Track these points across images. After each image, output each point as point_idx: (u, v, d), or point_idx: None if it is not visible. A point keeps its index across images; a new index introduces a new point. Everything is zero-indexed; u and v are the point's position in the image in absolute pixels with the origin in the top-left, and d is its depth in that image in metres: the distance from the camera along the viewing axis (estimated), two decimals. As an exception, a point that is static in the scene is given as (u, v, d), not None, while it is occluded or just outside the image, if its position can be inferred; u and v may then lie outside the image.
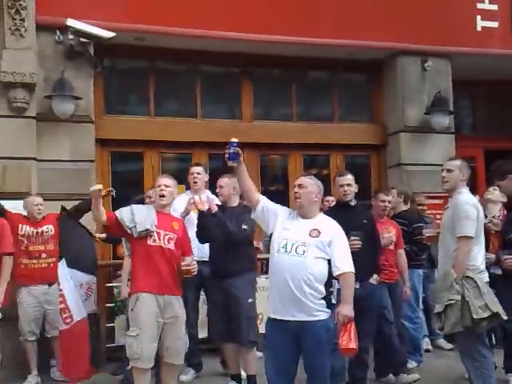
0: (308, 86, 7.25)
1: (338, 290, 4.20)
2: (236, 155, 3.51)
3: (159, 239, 4.00)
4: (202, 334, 5.27)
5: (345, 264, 3.39)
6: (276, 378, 3.47)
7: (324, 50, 6.76)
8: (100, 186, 3.95)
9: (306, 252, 3.35)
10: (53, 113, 5.76)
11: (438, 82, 7.07)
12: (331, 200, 6.13)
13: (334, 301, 3.50)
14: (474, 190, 6.31)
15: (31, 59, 5.65)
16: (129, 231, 3.96)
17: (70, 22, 5.74)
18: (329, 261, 3.43)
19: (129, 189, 5.57)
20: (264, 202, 3.63)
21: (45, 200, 5.21)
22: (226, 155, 3.49)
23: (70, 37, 5.79)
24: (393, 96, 7.18)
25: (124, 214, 4.00)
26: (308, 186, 3.48)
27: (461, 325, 3.74)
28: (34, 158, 5.70)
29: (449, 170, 4.05)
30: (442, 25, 6.94)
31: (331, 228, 3.47)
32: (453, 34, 7.04)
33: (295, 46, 6.58)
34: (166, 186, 4.12)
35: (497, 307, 3.76)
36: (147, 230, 3.95)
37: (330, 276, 3.48)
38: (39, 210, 5.10)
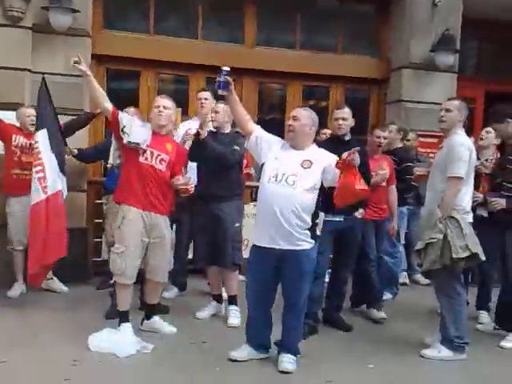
0: (313, 14, 7.02)
1: (324, 221, 4.34)
2: (226, 84, 3.50)
3: (151, 158, 4.01)
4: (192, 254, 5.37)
5: None
6: (255, 302, 3.62)
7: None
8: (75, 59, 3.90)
9: (295, 182, 3.39)
10: (49, 24, 5.62)
11: (447, 19, 6.85)
12: (328, 133, 6.10)
13: (318, 232, 3.58)
14: (471, 132, 6.32)
15: (29, -34, 5.45)
16: (121, 134, 3.96)
17: None
18: (319, 190, 3.48)
19: (124, 107, 5.46)
20: (258, 131, 3.64)
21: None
22: (217, 83, 3.49)
23: None
24: (399, 31, 6.98)
25: (124, 118, 4.01)
26: (302, 118, 3.49)
27: (439, 263, 3.82)
28: (29, 70, 5.61)
29: (447, 110, 4.02)
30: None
31: (324, 157, 3.50)
32: (466, -29, 6.78)
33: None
34: (165, 107, 4.09)
35: (477, 248, 3.83)
36: (138, 143, 3.96)
37: (317, 207, 3.54)
38: (32, 121, 5.05)
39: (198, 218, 4.64)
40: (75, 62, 3.93)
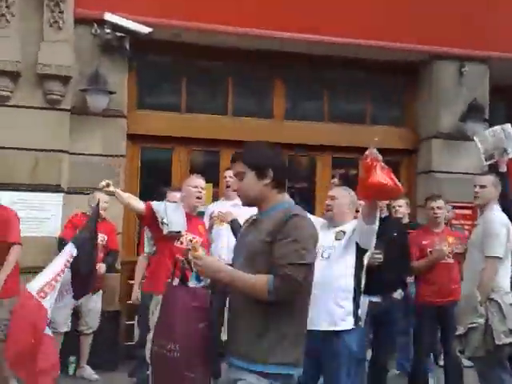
0: (341, 86, 7.16)
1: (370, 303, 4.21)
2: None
3: (186, 242, 4.03)
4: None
5: None
6: None
7: (359, 51, 6.67)
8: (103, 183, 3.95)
9: (331, 255, 3.34)
10: (87, 106, 5.84)
11: (475, 88, 6.92)
12: (360, 204, 6.07)
13: (359, 314, 3.42)
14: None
15: (68, 52, 5.74)
16: (161, 226, 3.96)
17: (108, 16, 5.79)
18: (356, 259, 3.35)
19: (157, 184, 5.61)
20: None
21: (74, 194, 5.35)
22: None
23: (107, 31, 5.83)
24: (427, 101, 7.06)
25: (160, 208, 4.00)
26: (340, 197, 3.51)
27: (483, 349, 3.68)
28: (67, 151, 5.79)
29: (482, 186, 3.99)
30: (480, 29, 6.76)
31: (354, 222, 3.44)
32: (491, 39, 6.84)
33: (331, 46, 6.52)
34: (202, 188, 4.15)
35: None
36: (179, 232, 4.00)
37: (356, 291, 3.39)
38: (105, 208, 5.11)
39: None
40: (104, 187, 4.02)
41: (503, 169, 4.97)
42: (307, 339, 3.26)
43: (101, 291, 5.28)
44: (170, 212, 4.02)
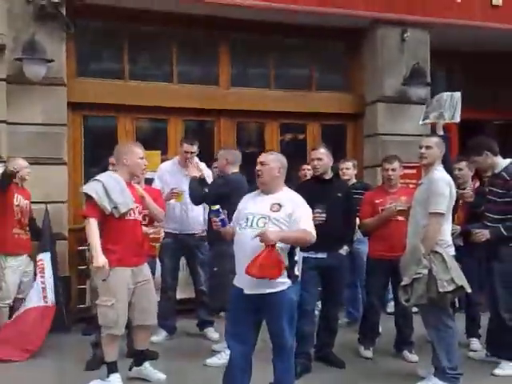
0: (285, 53, 7.16)
1: (307, 257, 4.33)
2: (225, 220, 3.67)
3: (133, 213, 4.01)
4: (180, 295, 5.50)
5: (308, 226, 3.40)
6: (237, 345, 3.50)
7: (302, 17, 6.66)
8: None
9: (266, 225, 3.36)
10: (24, 75, 5.61)
11: (417, 53, 7.04)
12: (307, 168, 6.15)
13: (297, 272, 3.52)
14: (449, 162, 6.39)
15: (0, 20, 5.47)
16: (107, 212, 3.86)
17: (42, -18, 5.58)
18: None
19: (102, 153, 5.47)
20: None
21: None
22: (218, 223, 3.67)
23: (41, -4, 5.60)
24: (371, 66, 7.14)
25: (101, 196, 3.85)
26: (270, 162, 3.50)
27: (426, 297, 3.86)
28: (5, 121, 5.57)
29: (428, 147, 4.13)
30: (421, -6, 6.90)
31: (293, 201, 3.48)
32: (432, 5, 6.98)
33: (276, 12, 6.48)
34: (145, 158, 4.15)
35: (462, 281, 3.89)
36: (130, 209, 3.96)
37: (293, 246, 3.47)
38: (28, 173, 5.06)
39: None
40: None
41: (440, 132, 5.14)
42: (247, 300, 3.40)
43: None
44: (111, 189, 3.88)
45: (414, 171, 6.17)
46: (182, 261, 5.44)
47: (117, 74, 6.52)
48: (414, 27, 7.00)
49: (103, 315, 3.90)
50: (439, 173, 4.06)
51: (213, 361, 4.54)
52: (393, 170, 4.82)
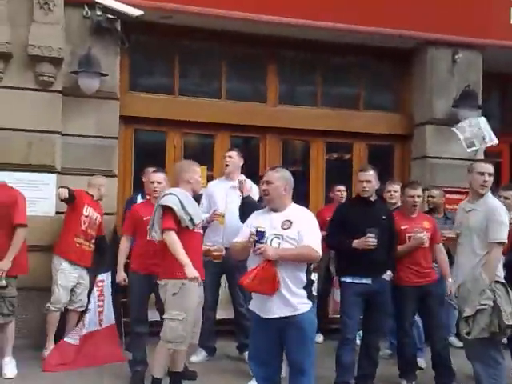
0: (335, 72, 7.15)
1: (352, 284, 4.30)
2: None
3: (199, 226, 4.14)
4: (220, 315, 5.40)
5: (312, 242, 3.33)
6: (259, 369, 3.48)
7: (353, 36, 6.66)
8: None
9: (280, 244, 3.33)
10: (78, 88, 5.77)
11: (468, 75, 6.93)
12: (342, 190, 6.11)
13: (314, 292, 3.50)
14: (498, 185, 6.27)
15: (59, 34, 5.65)
16: (184, 224, 3.99)
17: (98, -1, 5.72)
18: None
19: (151, 166, 5.57)
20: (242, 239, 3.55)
21: (69, 175, 5.39)
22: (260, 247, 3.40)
23: (98, 13, 5.77)
24: (421, 87, 7.05)
25: (180, 208, 3.98)
26: (275, 181, 3.47)
27: (488, 331, 3.73)
28: (59, 132, 5.73)
29: (490, 174, 4.04)
30: (474, 16, 6.77)
31: (301, 217, 3.45)
32: (485, 26, 6.86)
33: (325, 31, 6.49)
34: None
35: None
36: (202, 220, 4.15)
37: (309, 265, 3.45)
38: (104, 191, 5.35)
39: None
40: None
41: (481, 157, 5.04)
42: (268, 325, 3.36)
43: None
44: (187, 205, 4.04)
45: (463, 197, 6.03)
46: (224, 279, 5.34)
47: (167, 89, 6.64)
48: (465, 48, 6.90)
49: (173, 329, 3.92)
50: (494, 199, 4.00)
51: None
52: (418, 196, 4.77)
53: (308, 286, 3.38)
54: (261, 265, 3.24)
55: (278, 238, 3.34)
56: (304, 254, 3.33)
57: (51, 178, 5.42)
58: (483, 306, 3.73)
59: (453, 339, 5.87)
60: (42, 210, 5.49)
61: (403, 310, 4.67)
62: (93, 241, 5.25)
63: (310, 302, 3.36)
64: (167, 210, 3.99)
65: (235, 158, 5.19)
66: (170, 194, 4.07)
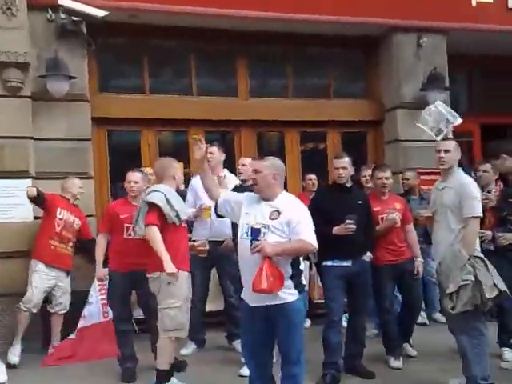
0: (303, 62, 7.20)
1: (333, 266, 4.35)
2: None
3: (184, 221, 4.18)
4: (209, 307, 5.46)
5: (306, 235, 3.27)
6: (252, 360, 3.49)
7: (319, 26, 6.71)
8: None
9: (266, 234, 3.27)
10: (48, 92, 5.73)
11: (434, 58, 7.04)
12: (313, 178, 6.18)
13: (304, 281, 3.47)
14: (471, 164, 6.41)
15: (24, 38, 5.58)
16: (171, 221, 4.01)
17: (62, 1, 5.68)
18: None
19: (127, 166, 5.54)
20: (224, 195, 3.62)
21: (44, 179, 5.33)
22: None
23: (62, 16, 5.74)
24: (389, 72, 7.16)
25: (165, 205, 3.99)
26: (263, 169, 3.39)
27: (470, 304, 3.78)
28: (31, 137, 5.68)
29: (446, 151, 4.10)
30: (437, 0, 6.88)
31: (291, 206, 3.38)
32: (448, 10, 6.96)
33: (290, 22, 6.54)
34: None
35: (503, 286, 3.82)
36: (189, 215, 4.16)
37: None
38: (79, 193, 5.31)
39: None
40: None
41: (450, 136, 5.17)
42: (256, 313, 3.34)
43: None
44: (173, 201, 4.05)
45: (437, 177, 6.15)
46: (213, 271, 5.36)
47: (138, 88, 6.63)
48: (430, 33, 7.01)
49: (171, 318, 3.95)
50: (464, 176, 4.05)
51: (246, 371, 4.53)
52: (386, 178, 4.87)
53: (297, 276, 3.35)
54: (265, 263, 3.14)
55: (265, 227, 3.29)
56: (302, 248, 3.32)
57: (26, 184, 5.34)
58: (465, 282, 3.78)
59: (438, 315, 5.99)
60: (19, 216, 5.45)
61: (382, 288, 4.76)
62: (70, 244, 5.23)
63: (296, 292, 3.31)
64: (153, 206, 4.00)
65: (216, 154, 5.20)
66: (155, 190, 4.08)
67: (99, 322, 5.15)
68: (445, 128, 5.46)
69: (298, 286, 3.35)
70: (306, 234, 3.28)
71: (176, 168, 4.27)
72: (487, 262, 3.87)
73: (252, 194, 3.54)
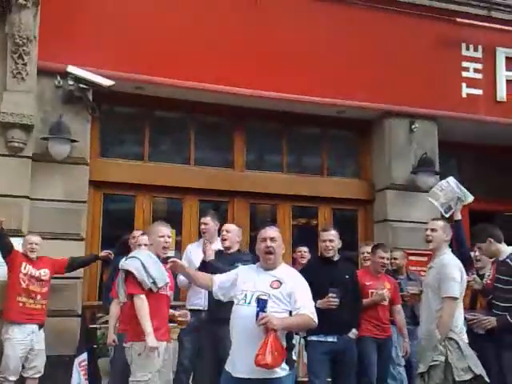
0: (299, 140, 7.44)
1: (317, 342, 4.34)
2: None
3: (166, 289, 4.07)
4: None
5: (306, 307, 3.24)
6: None
7: (314, 108, 7.00)
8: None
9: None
10: (49, 154, 5.86)
11: (425, 143, 7.29)
12: (303, 251, 6.24)
13: (294, 357, 3.46)
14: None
15: (31, 102, 5.79)
16: (146, 288, 3.94)
17: (71, 69, 5.91)
18: (290, 313, 3.28)
19: (119, 230, 5.67)
20: (218, 279, 3.54)
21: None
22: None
23: (70, 82, 5.94)
24: (380, 154, 7.38)
25: (142, 272, 3.93)
26: (278, 239, 3.39)
27: None
28: (27, 197, 5.76)
29: (433, 230, 4.21)
30: (429, 90, 7.21)
31: (292, 278, 3.36)
32: (439, 99, 7.30)
33: (289, 102, 6.82)
34: (169, 236, 4.18)
35: (479, 369, 3.81)
36: (167, 283, 4.04)
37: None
38: (32, 248, 5.21)
39: (204, 339, 4.62)
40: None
41: (458, 217, 5.27)
42: None
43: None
44: (148, 266, 3.98)
45: (425, 259, 6.23)
46: None
47: (137, 155, 6.81)
48: (421, 119, 7.29)
49: None
50: (448, 256, 4.11)
51: None
52: (388, 259, 5.14)
53: (290, 350, 3.28)
54: (270, 337, 3.03)
55: (265, 295, 3.21)
56: (302, 323, 3.27)
57: (16, 242, 5.35)
58: (435, 362, 3.80)
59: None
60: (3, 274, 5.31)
61: (367, 358, 4.76)
62: (39, 297, 5.14)
63: (287, 368, 3.22)
64: (128, 273, 3.99)
65: (210, 224, 5.17)
66: (133, 257, 4.09)
67: None
68: (454, 206, 5.52)
69: (290, 361, 3.27)
70: (308, 308, 3.24)
71: (155, 232, 4.15)
72: (461, 343, 3.85)
73: (247, 265, 3.55)
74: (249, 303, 3.23)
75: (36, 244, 5.23)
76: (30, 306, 5.10)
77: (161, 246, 4.12)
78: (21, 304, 5.06)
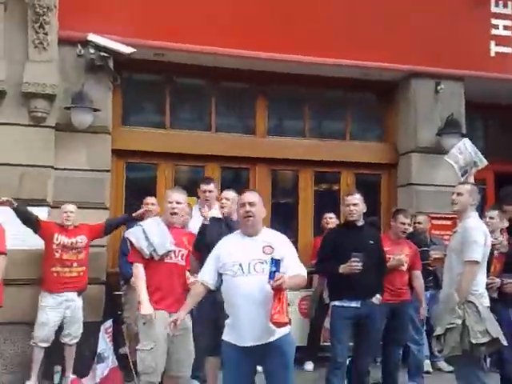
0: (321, 105, 7.34)
1: (340, 307, 4.37)
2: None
3: (175, 256, 4.00)
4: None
5: (301, 267, 3.34)
6: None
7: (338, 70, 6.86)
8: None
9: (265, 269, 3.19)
10: (71, 123, 5.90)
11: (451, 105, 7.12)
12: (328, 217, 6.20)
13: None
14: (482, 213, 6.38)
15: (52, 71, 5.81)
16: (146, 256, 3.92)
17: (92, 37, 5.90)
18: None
19: (142, 198, 5.72)
20: (207, 278, 3.46)
21: (58, 208, 5.45)
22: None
23: (91, 51, 5.93)
24: (405, 117, 7.24)
25: (141, 241, 3.92)
26: (258, 203, 3.37)
27: (459, 348, 3.79)
28: (52, 167, 5.84)
29: (459, 194, 4.16)
30: (456, 49, 7.01)
31: (280, 242, 3.39)
32: (466, 58, 7.08)
33: (310, 65, 6.70)
34: (178, 202, 4.09)
35: (497, 333, 3.81)
36: (169, 251, 3.96)
37: None
38: (68, 216, 5.32)
39: (203, 307, 4.63)
40: None
41: (471, 181, 5.19)
42: (247, 353, 3.22)
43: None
44: (150, 233, 3.95)
45: (449, 222, 6.17)
46: None
47: (159, 123, 6.82)
48: (448, 79, 7.10)
49: (142, 360, 3.86)
50: (473, 220, 4.07)
51: None
52: (409, 224, 5.06)
53: None
54: (282, 296, 3.08)
55: (262, 263, 3.22)
56: (300, 282, 3.32)
57: (43, 212, 5.47)
58: (452, 325, 3.80)
59: (442, 364, 5.90)
60: (31, 243, 5.40)
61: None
62: (75, 264, 5.24)
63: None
64: (130, 242, 4.01)
65: (214, 192, 5.13)
66: (138, 224, 4.12)
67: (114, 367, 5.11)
68: (470, 170, 5.48)
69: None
70: (302, 269, 3.33)
71: (166, 198, 4.14)
72: (480, 307, 3.84)
73: (226, 237, 3.50)
74: (248, 273, 3.23)
75: (71, 212, 5.33)
76: (65, 274, 5.20)
77: (168, 212, 4.10)
78: (55, 274, 5.18)
